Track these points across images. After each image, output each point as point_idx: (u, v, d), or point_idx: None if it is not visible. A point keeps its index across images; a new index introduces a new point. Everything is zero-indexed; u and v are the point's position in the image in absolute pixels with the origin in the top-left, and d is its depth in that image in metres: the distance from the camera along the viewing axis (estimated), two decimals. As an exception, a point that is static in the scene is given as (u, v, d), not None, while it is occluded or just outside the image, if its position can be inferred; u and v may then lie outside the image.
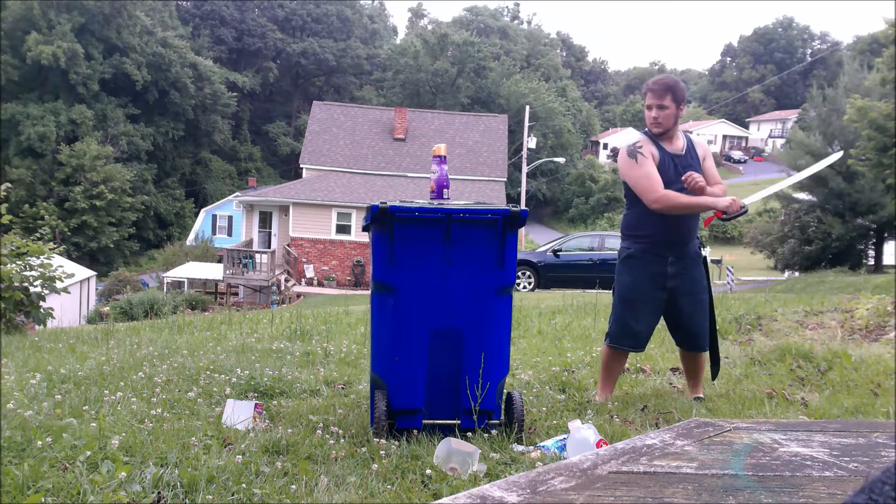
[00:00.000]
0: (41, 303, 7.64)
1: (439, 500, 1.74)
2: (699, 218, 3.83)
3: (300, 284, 27.58)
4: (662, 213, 3.63)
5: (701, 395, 3.97)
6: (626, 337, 3.86)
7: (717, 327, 4.04)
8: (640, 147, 3.70)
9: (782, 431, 2.47)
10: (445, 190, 3.48)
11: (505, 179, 31.92)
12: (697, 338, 3.87)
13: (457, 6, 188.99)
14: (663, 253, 3.73)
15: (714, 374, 4.09)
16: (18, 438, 2.65)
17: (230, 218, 39.07)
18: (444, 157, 3.43)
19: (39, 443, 2.59)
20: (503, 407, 3.28)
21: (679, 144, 3.76)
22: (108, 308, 21.06)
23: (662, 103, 3.64)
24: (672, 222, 3.68)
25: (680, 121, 3.73)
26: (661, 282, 3.74)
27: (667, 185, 3.60)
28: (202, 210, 42.55)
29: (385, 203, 3.00)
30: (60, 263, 8.30)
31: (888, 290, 10.82)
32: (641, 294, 3.79)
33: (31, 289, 7.52)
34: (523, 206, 3.26)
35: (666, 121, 3.67)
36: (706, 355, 3.98)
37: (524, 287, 16.61)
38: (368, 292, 4.04)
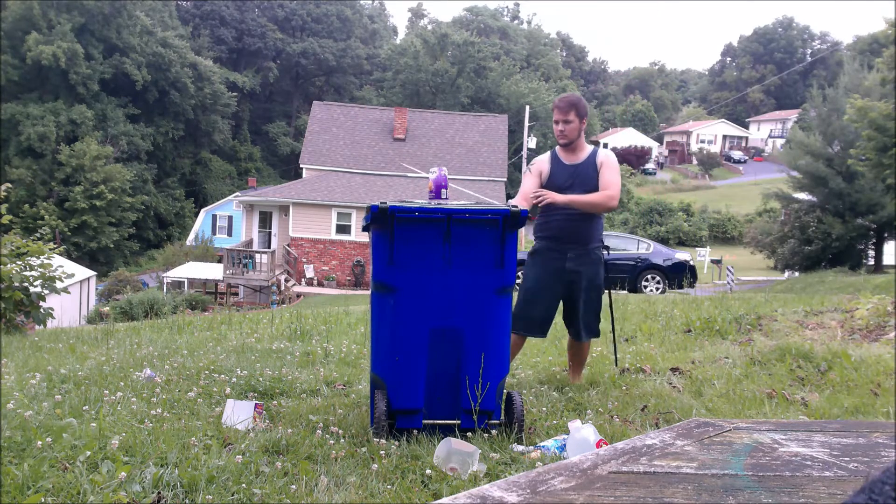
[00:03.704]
0: (41, 303, 7.63)
1: (439, 500, 1.74)
2: (596, 223, 4.17)
3: (300, 284, 27.58)
4: (559, 216, 4.11)
5: (579, 382, 4.38)
6: (520, 321, 4.18)
7: (616, 323, 4.70)
8: (532, 166, 4.27)
9: (782, 431, 2.46)
10: (444, 190, 3.49)
11: (505, 179, 31.91)
12: (582, 329, 4.26)
13: (457, 6, 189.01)
14: (563, 249, 4.14)
15: (616, 362, 4.68)
16: (18, 438, 2.65)
17: (230, 218, 39.03)
18: (441, 182, 3.50)
19: (39, 443, 2.59)
20: (503, 407, 3.28)
21: (581, 156, 4.17)
22: (108, 308, 21.06)
23: (567, 118, 4.10)
24: (569, 224, 4.12)
25: (583, 133, 4.18)
26: (560, 275, 4.14)
27: (564, 188, 4.07)
28: (202, 210, 42.51)
29: (385, 203, 3.00)
30: (60, 263, 8.29)
31: (888, 290, 10.82)
32: (541, 285, 4.19)
33: (31, 289, 7.51)
34: (523, 206, 3.26)
35: (571, 133, 4.11)
36: (586, 350, 4.42)
37: (524, 287, 16.58)
38: (368, 292, 4.05)
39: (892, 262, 25.71)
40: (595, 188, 4.06)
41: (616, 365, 4.65)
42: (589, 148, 4.21)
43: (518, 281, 3.76)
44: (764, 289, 17.81)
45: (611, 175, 4.09)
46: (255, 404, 3.35)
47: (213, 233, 39.03)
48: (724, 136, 78.65)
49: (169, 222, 49.62)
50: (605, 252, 4.26)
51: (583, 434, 2.82)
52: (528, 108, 39.58)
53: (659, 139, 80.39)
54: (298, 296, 25.77)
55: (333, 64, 64.60)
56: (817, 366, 4.68)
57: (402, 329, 3.09)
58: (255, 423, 3.18)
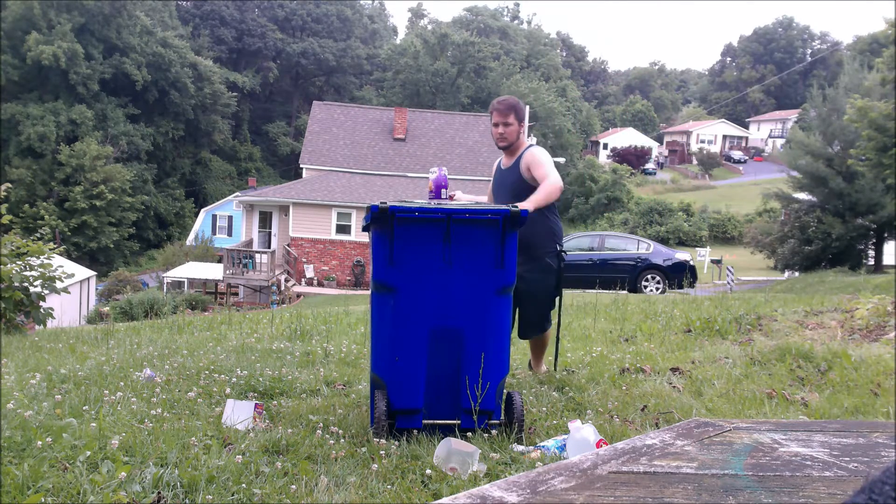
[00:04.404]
0: (41, 303, 7.63)
1: (439, 500, 1.74)
2: (540, 229, 4.09)
3: (300, 284, 27.57)
4: None
5: (544, 370, 4.56)
6: None
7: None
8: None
9: (782, 431, 2.46)
10: (444, 190, 3.49)
11: (505, 179, 31.87)
12: (523, 330, 4.35)
13: (457, 6, 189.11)
14: None
15: (555, 366, 4.68)
16: (18, 438, 2.65)
17: (230, 218, 39.05)
18: (441, 182, 3.54)
19: (39, 443, 2.59)
20: (503, 407, 3.28)
21: (514, 157, 4.16)
22: (108, 308, 21.06)
23: (506, 121, 4.08)
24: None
25: (522, 136, 4.18)
26: None
27: (494, 193, 4.26)
28: (202, 210, 42.53)
29: (385, 203, 3.00)
30: (60, 263, 8.29)
31: (888, 290, 10.82)
32: None
33: (31, 289, 7.51)
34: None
35: (510, 136, 4.11)
36: (544, 340, 4.54)
37: (524, 287, 16.57)
38: (368, 292, 4.06)
39: (892, 262, 25.71)
40: (517, 190, 3.98)
41: (555, 368, 4.64)
42: (521, 148, 4.14)
43: None
44: (764, 289, 17.82)
45: (541, 170, 3.92)
46: (255, 404, 3.35)
47: (213, 233, 39.04)
48: (724, 136, 78.65)
49: (169, 222, 49.63)
50: (561, 260, 4.15)
51: (583, 434, 2.82)
52: (527, 108, 39.58)
53: (659, 139, 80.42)
54: (298, 296, 25.77)
55: (333, 64, 64.61)
56: (817, 366, 4.68)
57: (402, 329, 3.09)
58: (255, 423, 3.18)
